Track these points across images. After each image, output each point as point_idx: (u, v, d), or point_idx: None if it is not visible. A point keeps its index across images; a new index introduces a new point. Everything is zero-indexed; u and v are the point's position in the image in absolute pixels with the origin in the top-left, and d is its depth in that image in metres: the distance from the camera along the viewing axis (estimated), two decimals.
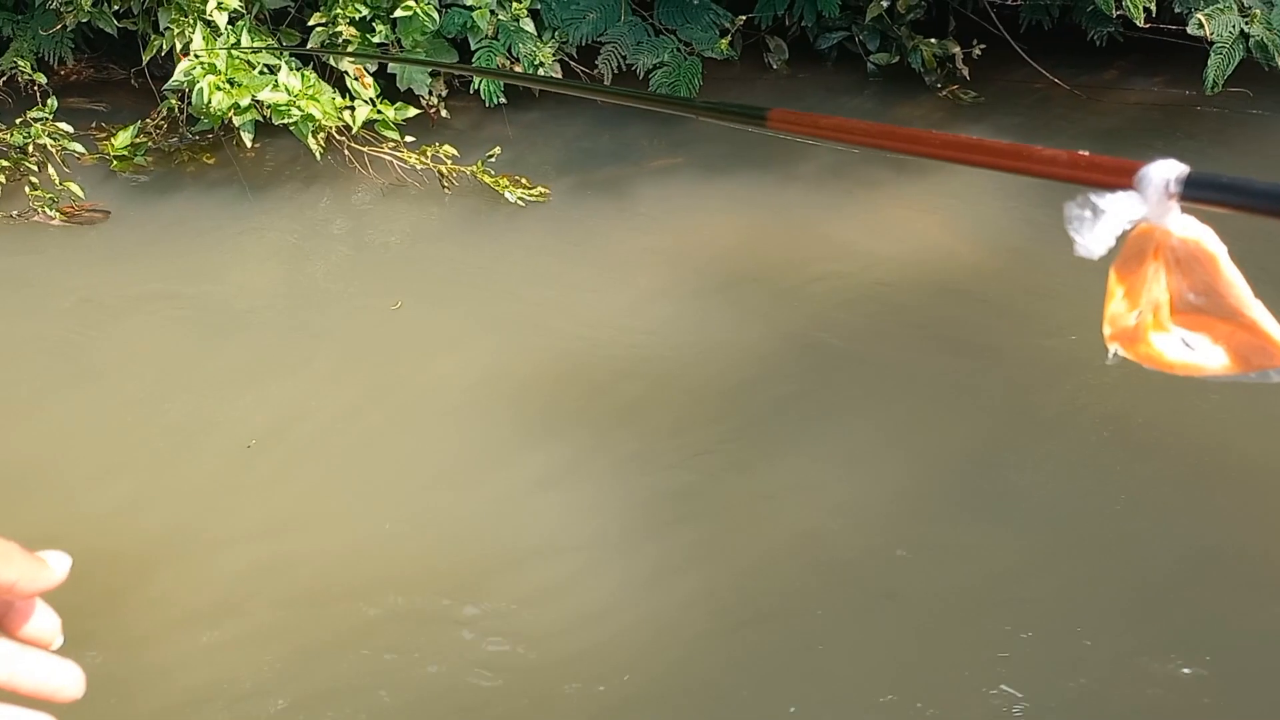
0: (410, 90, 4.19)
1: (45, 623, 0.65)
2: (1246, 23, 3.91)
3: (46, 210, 3.80)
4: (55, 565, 0.64)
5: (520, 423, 2.96)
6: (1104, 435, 2.83)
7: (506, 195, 3.87)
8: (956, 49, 4.49)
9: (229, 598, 2.45)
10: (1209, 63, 3.92)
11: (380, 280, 3.62)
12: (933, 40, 4.52)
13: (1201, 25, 3.82)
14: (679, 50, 4.36)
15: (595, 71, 4.40)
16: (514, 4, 4.12)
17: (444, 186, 3.95)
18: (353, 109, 3.91)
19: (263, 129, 3.90)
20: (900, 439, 2.86)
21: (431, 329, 3.36)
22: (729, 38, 4.37)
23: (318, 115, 3.72)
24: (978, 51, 4.48)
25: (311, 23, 4.04)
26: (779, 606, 2.39)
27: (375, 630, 2.37)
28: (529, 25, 4.18)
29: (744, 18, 4.47)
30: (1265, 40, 3.95)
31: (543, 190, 3.95)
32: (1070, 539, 2.54)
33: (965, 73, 4.50)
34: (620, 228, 3.80)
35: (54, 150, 3.86)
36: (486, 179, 3.92)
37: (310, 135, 3.80)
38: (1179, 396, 2.94)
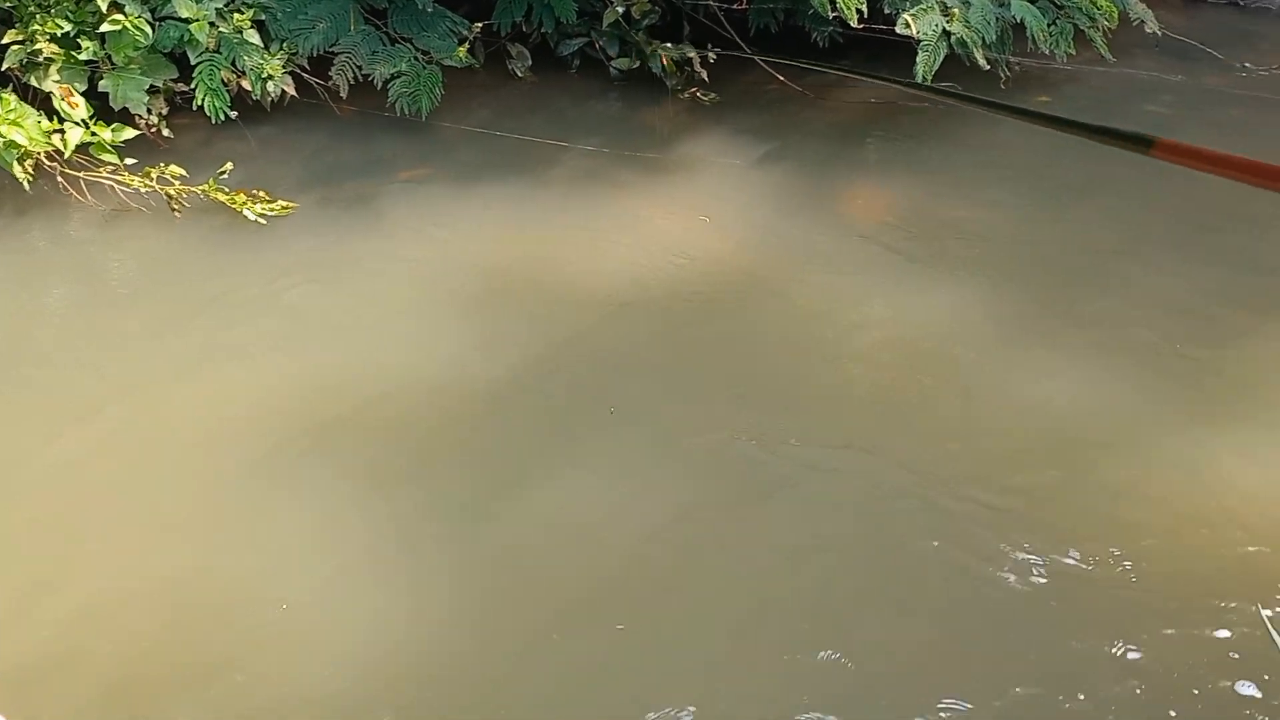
0: (126, 110, 3.90)
1: None
2: (948, 21, 4.22)
3: None
4: None
5: (266, 455, 2.80)
6: (871, 417, 2.98)
7: (246, 213, 3.67)
8: (693, 53, 4.62)
9: None
10: (917, 59, 4.21)
11: (106, 312, 3.35)
12: (669, 45, 4.63)
13: (908, 25, 4.10)
14: (417, 59, 4.27)
15: (330, 83, 4.24)
16: (235, 15, 3.91)
17: (174, 209, 3.70)
18: (63, 132, 3.60)
19: None
20: (667, 444, 2.90)
21: (166, 360, 3.14)
22: (466, 45, 4.32)
23: (22, 141, 3.40)
24: (712, 56, 4.62)
25: (5, 41, 3.70)
26: (551, 624, 2.38)
27: (118, 694, 2.19)
28: (254, 37, 3.98)
29: (480, 25, 4.43)
30: (965, 37, 4.28)
31: (286, 205, 3.77)
32: (845, 528, 2.66)
33: (704, 75, 4.64)
34: (371, 243, 3.67)
35: None
36: (221, 197, 3.70)
37: (15, 163, 3.47)
38: (919, 376, 3.13)
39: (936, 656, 2.30)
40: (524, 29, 4.67)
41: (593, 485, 2.74)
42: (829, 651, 2.29)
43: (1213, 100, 4.70)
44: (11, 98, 3.51)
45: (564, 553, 2.55)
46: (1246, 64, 4.87)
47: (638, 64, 4.69)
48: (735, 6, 4.68)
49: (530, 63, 4.72)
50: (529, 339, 3.26)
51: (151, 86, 3.93)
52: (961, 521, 2.61)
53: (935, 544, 2.54)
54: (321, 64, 4.31)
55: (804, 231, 3.82)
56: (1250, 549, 2.51)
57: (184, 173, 3.70)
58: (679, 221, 3.87)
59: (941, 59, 4.27)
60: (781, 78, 4.71)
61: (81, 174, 3.68)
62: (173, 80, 4.04)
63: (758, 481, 2.75)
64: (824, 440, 2.89)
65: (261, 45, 4.05)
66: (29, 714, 2.13)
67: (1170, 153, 0.89)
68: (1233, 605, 2.35)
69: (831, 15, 4.23)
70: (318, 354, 3.17)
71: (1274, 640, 1.64)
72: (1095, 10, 4.59)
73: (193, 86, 3.97)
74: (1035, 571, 2.48)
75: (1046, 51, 4.55)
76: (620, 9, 4.53)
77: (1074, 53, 4.62)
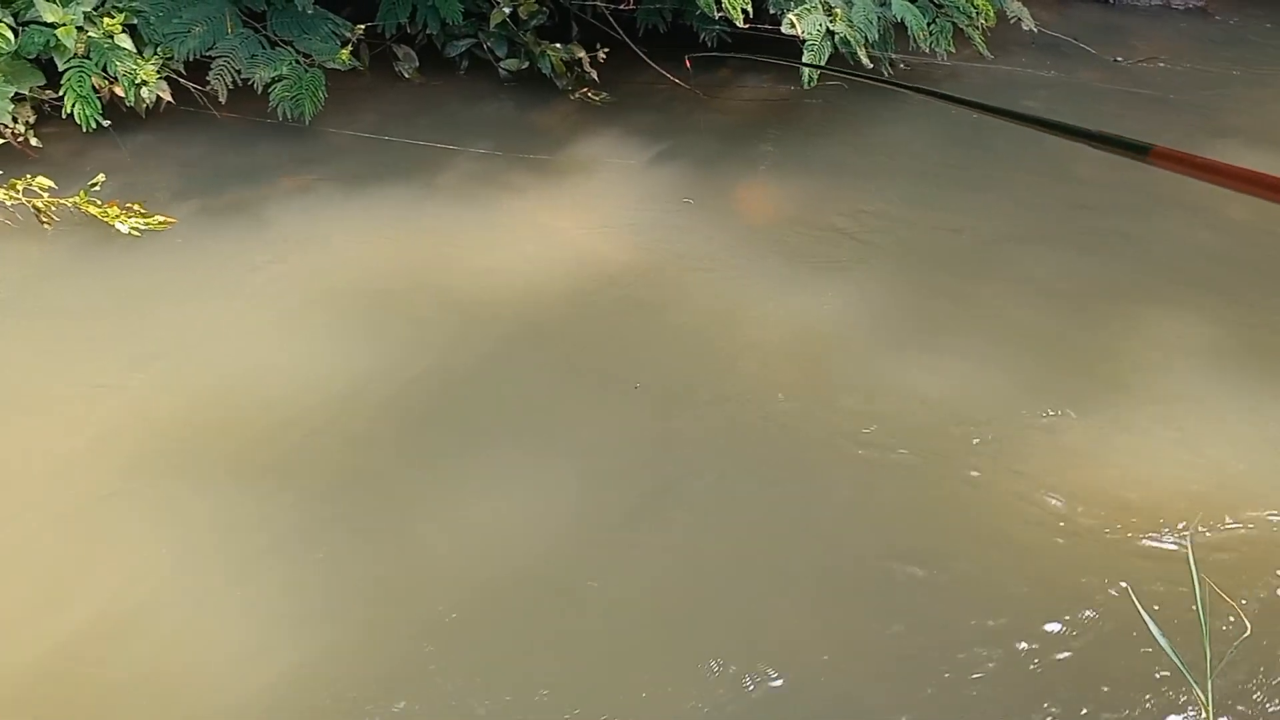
0: None
1: None
2: (831, 21, 4.28)
3: None
4: None
5: (135, 478, 2.72)
6: (764, 414, 3.01)
7: (118, 226, 3.56)
8: (582, 53, 4.62)
9: None
10: (804, 59, 4.26)
11: None
12: (558, 45, 4.62)
13: (793, 25, 4.15)
14: (298, 62, 4.19)
15: (208, 88, 4.14)
16: (105, 20, 3.79)
17: (43, 222, 3.57)
18: None
19: None
20: (560, 445, 2.89)
21: (32, 386, 3.03)
22: (350, 48, 4.25)
23: None
24: (601, 56, 4.62)
25: None
26: (438, 639, 2.36)
27: None
28: (126, 42, 3.85)
29: (364, 27, 4.36)
30: (849, 36, 4.35)
31: (164, 219, 3.67)
32: (738, 521, 2.68)
33: (594, 76, 4.64)
34: (252, 254, 3.58)
35: None
36: (93, 210, 3.58)
37: None
38: (811, 371, 3.18)
39: (812, 635, 2.33)
40: (409, 31, 4.61)
41: (485, 490, 2.72)
42: (737, 648, 2.31)
43: (1086, 94, 4.86)
44: None
45: (453, 562, 2.53)
46: (1118, 58, 5.04)
47: (527, 65, 4.67)
48: (623, 6, 4.68)
49: (418, 64, 4.67)
50: (418, 347, 3.22)
51: (17, 94, 3.78)
52: (851, 514, 2.66)
53: (822, 539, 2.59)
54: (199, 69, 4.19)
55: (696, 231, 3.84)
56: (1118, 528, 2.60)
57: (53, 184, 3.56)
58: (572, 223, 3.87)
59: (826, 58, 4.34)
60: (674, 78, 4.74)
61: None
62: (40, 87, 3.89)
63: (653, 481, 2.76)
64: (716, 438, 2.91)
65: (134, 50, 3.92)
66: None
67: (1166, 160, 0.91)
68: (1101, 583, 2.43)
69: (718, 15, 4.26)
70: (191, 372, 3.08)
71: (1143, 617, 1.70)
72: (973, 9, 4.70)
73: (61, 94, 3.83)
74: (915, 557, 2.53)
75: (927, 50, 4.65)
76: (507, 9, 4.50)
77: (954, 50, 4.73)
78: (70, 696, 2.21)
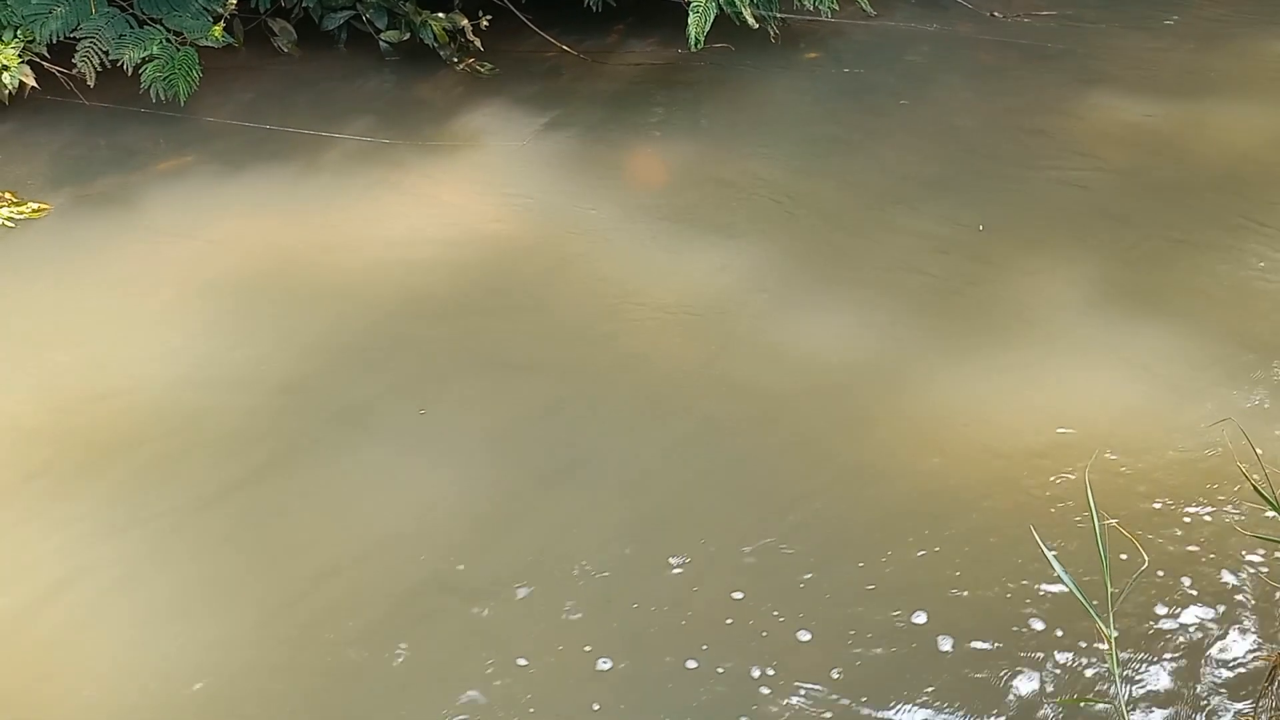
0: None
1: None
2: None
3: None
4: None
5: (9, 490, 2.62)
6: (657, 380, 3.02)
7: None
8: (465, 21, 4.54)
9: None
10: (689, 22, 4.26)
11: None
12: (440, 15, 4.53)
13: None
14: (169, 41, 4.03)
15: (75, 71, 3.95)
16: None
17: None
18: None
19: None
20: (457, 425, 2.86)
21: None
22: (221, 24, 4.10)
23: None
24: (484, 23, 4.55)
25: None
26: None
27: None
28: None
29: (236, 1, 4.21)
30: None
31: (38, 206, 3.51)
32: (642, 488, 2.69)
33: (478, 45, 4.56)
34: (128, 243, 3.47)
35: None
36: None
37: None
38: (704, 332, 3.20)
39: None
40: (284, 4, 4.46)
41: (378, 475, 2.70)
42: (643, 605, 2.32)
43: (967, 47, 4.96)
44: None
45: (340, 550, 2.49)
46: (995, 13, 5.14)
47: (408, 36, 4.56)
48: None
49: (295, 38, 4.53)
50: (298, 331, 3.16)
51: None
52: (751, 474, 2.69)
53: (724, 493, 2.61)
54: (64, 51, 4.01)
55: (586, 199, 3.82)
56: (1017, 467, 2.68)
57: None
58: (459, 198, 3.82)
59: (712, 19, 4.34)
60: (560, 44, 4.68)
61: None
62: None
63: (546, 460, 2.76)
64: (611, 409, 2.91)
65: None
66: None
67: None
68: (1002, 522, 2.51)
69: None
70: (61, 366, 2.98)
71: (1045, 554, 1.76)
72: None
73: None
74: (811, 505, 2.57)
75: (811, 8, 4.68)
76: None
77: (838, 8, 4.78)
78: None
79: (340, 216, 3.68)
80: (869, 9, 4.86)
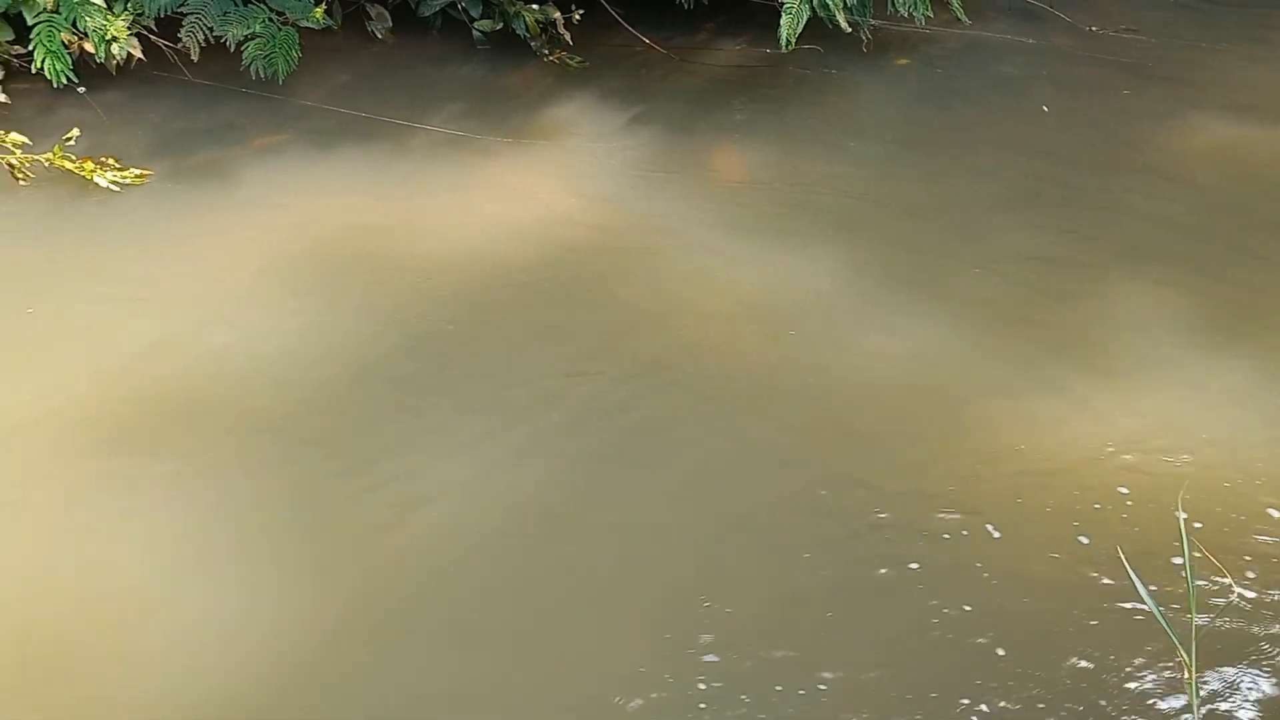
0: None
1: None
2: None
3: None
4: None
5: (87, 445, 2.71)
6: (738, 380, 3.02)
7: (97, 180, 3.52)
8: (557, 14, 4.58)
9: None
10: (781, 23, 4.25)
11: None
12: (534, 6, 4.57)
13: None
14: (271, 20, 4.12)
15: (180, 45, 4.06)
16: None
17: (17, 177, 3.52)
18: None
19: None
20: (532, 416, 2.89)
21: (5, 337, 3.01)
22: (323, 6, 4.18)
23: None
24: (577, 17, 4.58)
25: None
26: (407, 612, 2.37)
27: None
28: None
29: None
30: (827, 0, 4.33)
31: (141, 172, 3.63)
32: (714, 493, 2.70)
33: (569, 38, 4.60)
34: (222, 213, 3.57)
35: None
36: (68, 165, 3.55)
37: None
38: (780, 334, 3.20)
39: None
40: None
41: (450, 462, 2.74)
42: (718, 608, 2.33)
43: (1062, 60, 4.87)
44: None
45: (418, 535, 2.54)
46: (1092, 27, 5.06)
47: (500, 26, 4.62)
48: None
49: (390, 24, 4.60)
50: (382, 313, 3.22)
51: None
52: (829, 482, 2.68)
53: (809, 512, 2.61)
54: (171, 26, 4.12)
55: (670, 195, 3.84)
56: (1104, 492, 2.63)
57: (26, 140, 3.52)
58: (542, 189, 3.85)
59: (805, 22, 4.32)
60: (647, 39, 4.70)
61: None
62: (9, 42, 3.83)
63: (620, 454, 2.78)
64: (692, 405, 2.93)
65: (105, 6, 3.86)
66: None
67: None
68: (1094, 548, 2.46)
69: None
70: (151, 327, 3.07)
71: (1133, 579, 1.73)
72: None
73: (31, 49, 3.76)
74: (894, 525, 2.56)
75: (905, 14, 4.65)
76: None
77: (932, 15, 4.73)
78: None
79: (424, 202, 3.74)
80: (964, 18, 4.81)
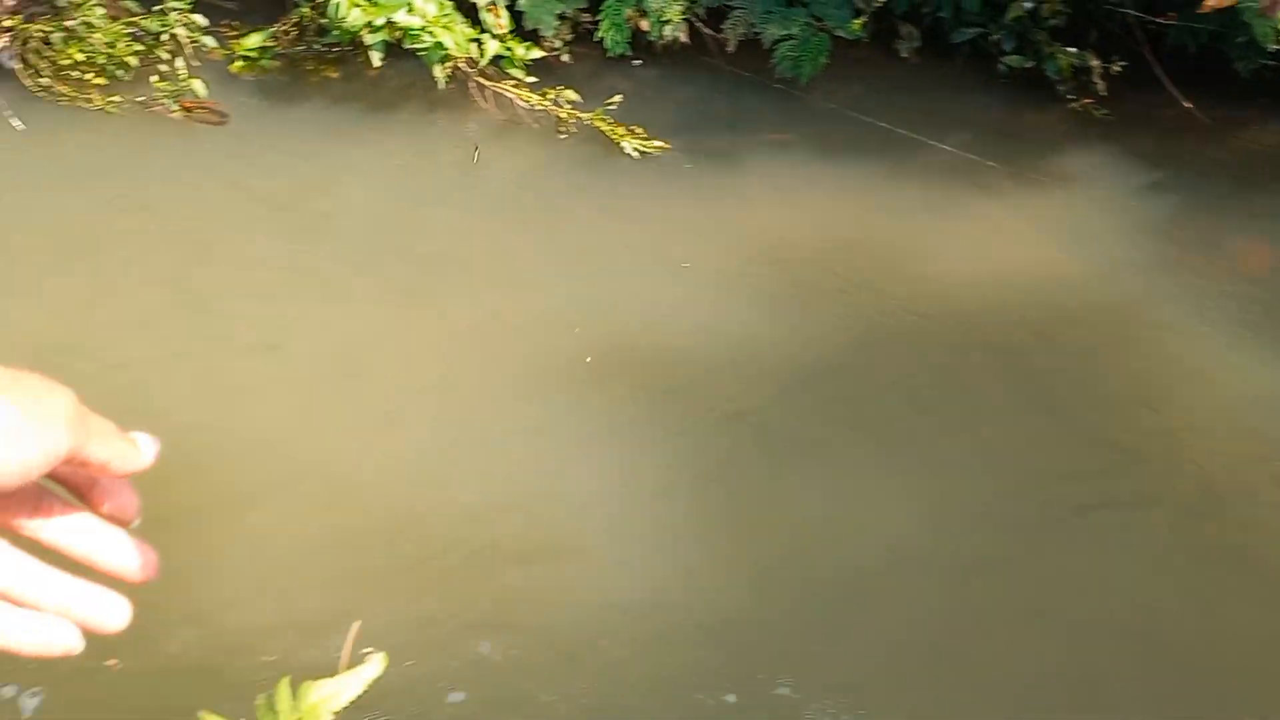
0: (536, 31, 4.17)
1: (127, 502, 0.66)
2: None
3: (169, 102, 3.86)
4: (145, 448, 0.65)
5: (582, 381, 2.98)
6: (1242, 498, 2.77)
7: (624, 145, 3.86)
8: (1095, 61, 4.36)
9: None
10: None
11: (484, 212, 3.65)
12: (1072, 49, 4.39)
13: None
14: (809, 24, 4.29)
15: (720, 35, 4.34)
16: None
17: (560, 130, 3.95)
18: (480, 42, 3.91)
19: (389, 50, 3.92)
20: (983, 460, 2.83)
21: (520, 270, 3.41)
22: (862, 18, 4.29)
23: (449, 45, 3.73)
24: (1117, 67, 4.34)
25: None
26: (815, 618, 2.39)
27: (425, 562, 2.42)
28: None
29: (883, 0, 4.37)
30: None
31: (661, 144, 3.94)
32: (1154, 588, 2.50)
33: (1101, 88, 4.37)
34: (726, 197, 3.77)
35: (186, 42, 3.92)
36: (603, 126, 3.91)
37: (437, 63, 3.81)
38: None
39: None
40: (920, 10, 4.56)
41: (874, 485, 2.75)
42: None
43: None
44: (448, 2, 3.84)
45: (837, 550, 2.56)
46: None
47: (1030, 64, 4.48)
48: (1161, 20, 4.36)
49: (918, 44, 4.62)
50: (848, 325, 3.25)
51: (562, 14, 4.18)
52: None
53: None
54: (716, 16, 4.41)
55: (1179, 276, 3.55)
56: None
57: (578, 97, 3.93)
58: (1039, 242, 3.71)
59: None
60: (1187, 103, 4.36)
61: (489, 84, 3.99)
62: (581, 10, 4.28)
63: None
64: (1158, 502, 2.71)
65: None
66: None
67: None
68: None
69: (1272, 48, 3.86)
70: (653, 295, 3.32)
71: None
72: None
73: (598, 19, 4.18)
74: None
75: None
76: (1028, 5, 4.33)
77: None
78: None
79: (914, 225, 3.73)
80: None
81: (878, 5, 4.38)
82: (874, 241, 3.63)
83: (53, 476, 0.61)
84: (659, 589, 2.44)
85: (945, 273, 3.48)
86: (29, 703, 2.01)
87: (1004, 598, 2.49)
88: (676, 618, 2.38)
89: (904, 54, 4.64)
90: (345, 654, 1.63)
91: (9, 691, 2.02)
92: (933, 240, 3.64)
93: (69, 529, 0.63)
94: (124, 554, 0.65)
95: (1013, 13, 4.38)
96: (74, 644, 0.62)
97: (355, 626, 1.76)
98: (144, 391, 2.82)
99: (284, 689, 0.81)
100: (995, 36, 4.53)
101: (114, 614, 0.64)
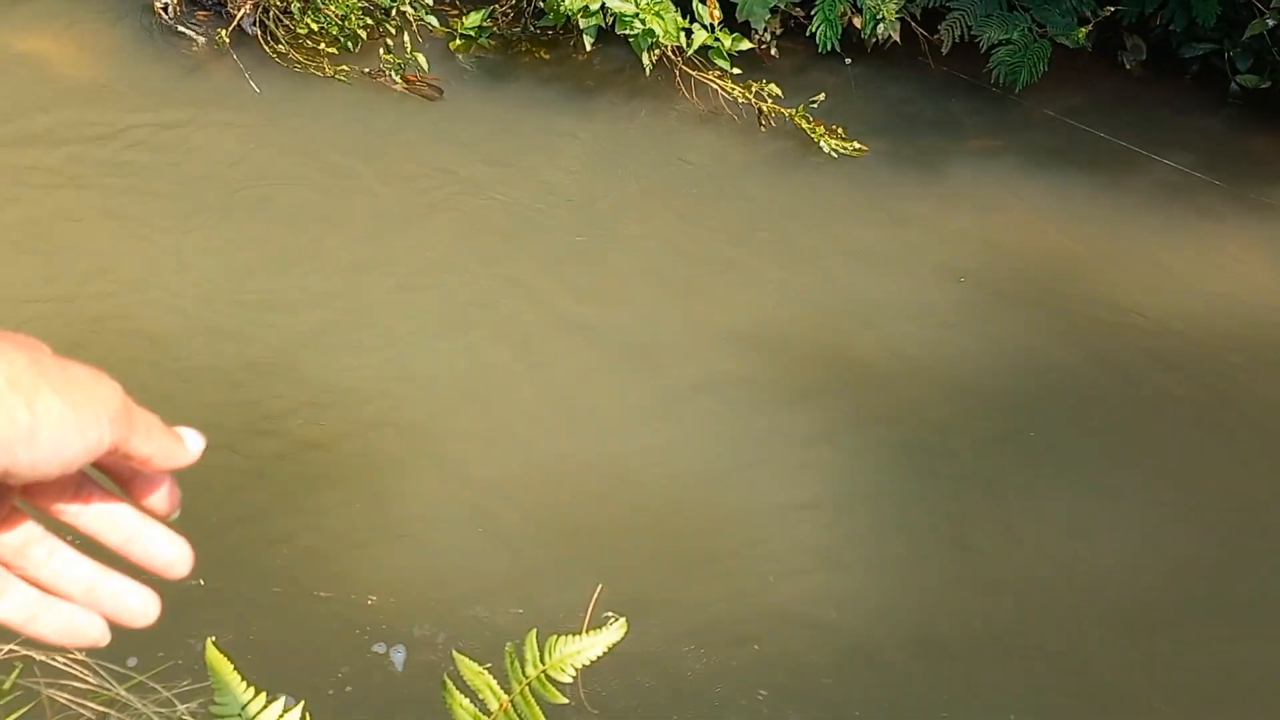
0: (747, 23, 4.17)
1: (168, 496, 0.65)
2: None
3: (393, 74, 4.05)
4: (191, 444, 0.63)
5: (775, 381, 3.00)
6: None
7: (821, 144, 3.83)
8: None
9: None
10: None
11: (678, 201, 3.70)
12: None
13: None
14: (1030, 30, 4.14)
15: (935, 36, 4.24)
16: None
17: (761, 124, 3.95)
18: (689, 31, 3.95)
19: (599, 35, 4.00)
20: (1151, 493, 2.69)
21: (707, 262, 3.44)
22: (1088, 27, 4.11)
23: (658, 32, 3.78)
24: None
25: None
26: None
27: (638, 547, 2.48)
28: None
29: (1111, 10, 4.18)
30: None
31: (859, 146, 3.89)
32: None
33: None
34: (927, 205, 3.70)
35: (412, 19, 4.10)
36: (803, 124, 3.89)
37: (645, 50, 3.87)
38: None
39: None
40: (1150, 22, 4.34)
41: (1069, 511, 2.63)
42: None
43: None
44: None
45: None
46: None
47: (1267, 84, 4.20)
48: None
49: (1144, 57, 4.40)
50: (1037, 343, 3.15)
51: (775, 7, 4.17)
52: None
53: None
54: (931, 17, 4.32)
55: None
56: None
57: (780, 93, 3.92)
58: (1260, 267, 3.48)
59: None
60: None
61: (694, 73, 4.02)
62: (794, 4, 4.26)
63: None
64: None
65: None
66: None
67: None
68: None
69: None
70: (844, 307, 3.31)
71: None
72: None
73: (810, 14, 4.16)
74: None
75: None
76: (1271, 22, 4.07)
77: None
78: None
79: (1125, 245, 3.58)
80: None
81: (1105, 15, 4.20)
82: (1080, 255, 3.50)
83: (95, 465, 0.60)
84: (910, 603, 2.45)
85: (1151, 297, 3.33)
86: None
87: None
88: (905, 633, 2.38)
89: (1128, 66, 4.43)
90: (588, 616, 1.70)
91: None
92: (1145, 262, 3.48)
93: (106, 518, 0.63)
94: (158, 548, 0.64)
95: (1252, 30, 4.11)
96: (99, 637, 0.62)
97: (599, 589, 1.82)
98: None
99: (531, 640, 0.85)
100: (1230, 54, 4.27)
101: (142, 610, 0.63)
